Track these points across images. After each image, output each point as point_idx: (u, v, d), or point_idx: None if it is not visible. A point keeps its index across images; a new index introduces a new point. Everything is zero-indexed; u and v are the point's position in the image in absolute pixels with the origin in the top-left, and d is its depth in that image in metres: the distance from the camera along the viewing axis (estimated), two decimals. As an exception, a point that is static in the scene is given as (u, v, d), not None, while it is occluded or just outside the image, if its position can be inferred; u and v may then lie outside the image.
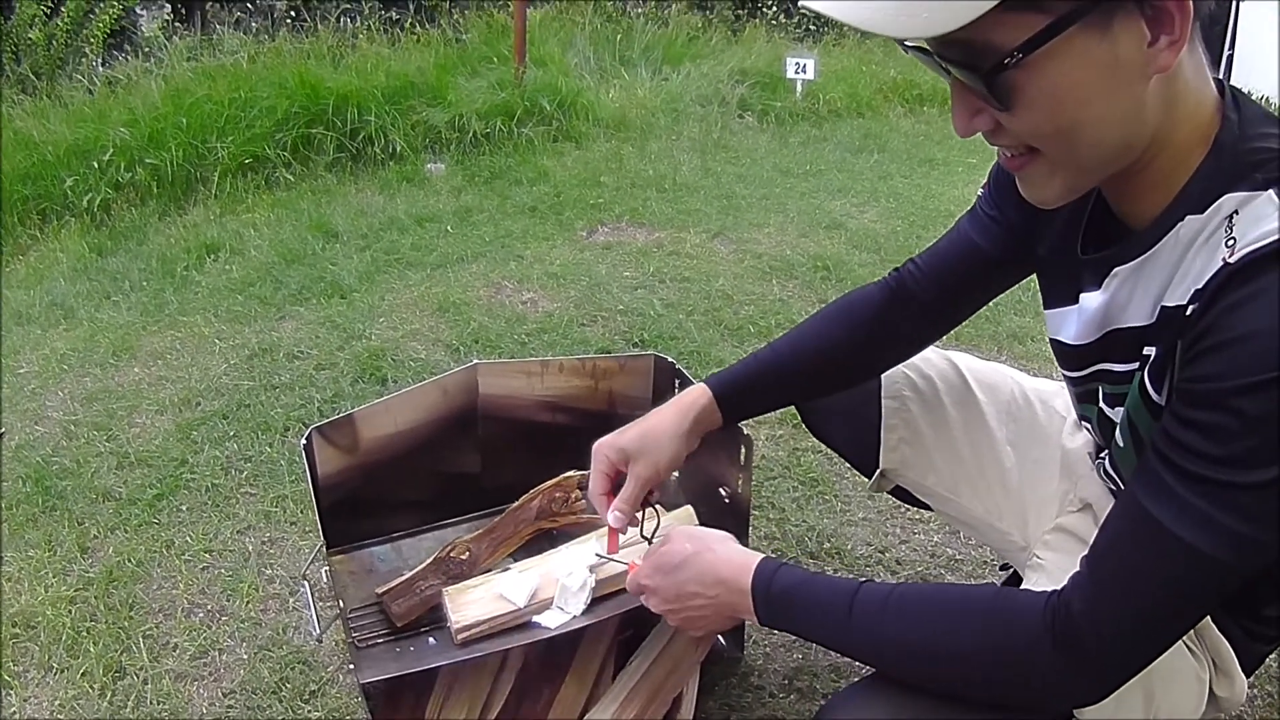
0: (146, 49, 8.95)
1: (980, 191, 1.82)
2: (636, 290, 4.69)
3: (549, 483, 2.45)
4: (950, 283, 1.89)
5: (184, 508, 3.14)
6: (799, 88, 8.71)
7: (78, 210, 5.98)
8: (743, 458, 2.19)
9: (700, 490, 2.45)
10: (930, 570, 2.86)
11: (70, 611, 2.74)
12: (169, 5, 11.06)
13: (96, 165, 6.15)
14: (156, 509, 3.14)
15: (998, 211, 1.76)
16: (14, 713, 2.46)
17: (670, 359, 2.55)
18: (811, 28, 12.18)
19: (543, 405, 2.56)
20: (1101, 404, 1.56)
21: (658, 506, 2.42)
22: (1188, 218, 1.28)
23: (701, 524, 2.28)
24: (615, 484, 1.92)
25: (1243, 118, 1.29)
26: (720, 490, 2.34)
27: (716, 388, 1.94)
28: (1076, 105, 1.19)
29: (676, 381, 2.52)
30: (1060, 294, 1.59)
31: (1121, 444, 1.52)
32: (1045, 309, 1.66)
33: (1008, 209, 1.73)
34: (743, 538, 2.21)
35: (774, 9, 12.04)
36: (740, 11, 12.40)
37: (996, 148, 1.33)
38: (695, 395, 1.93)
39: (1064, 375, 1.67)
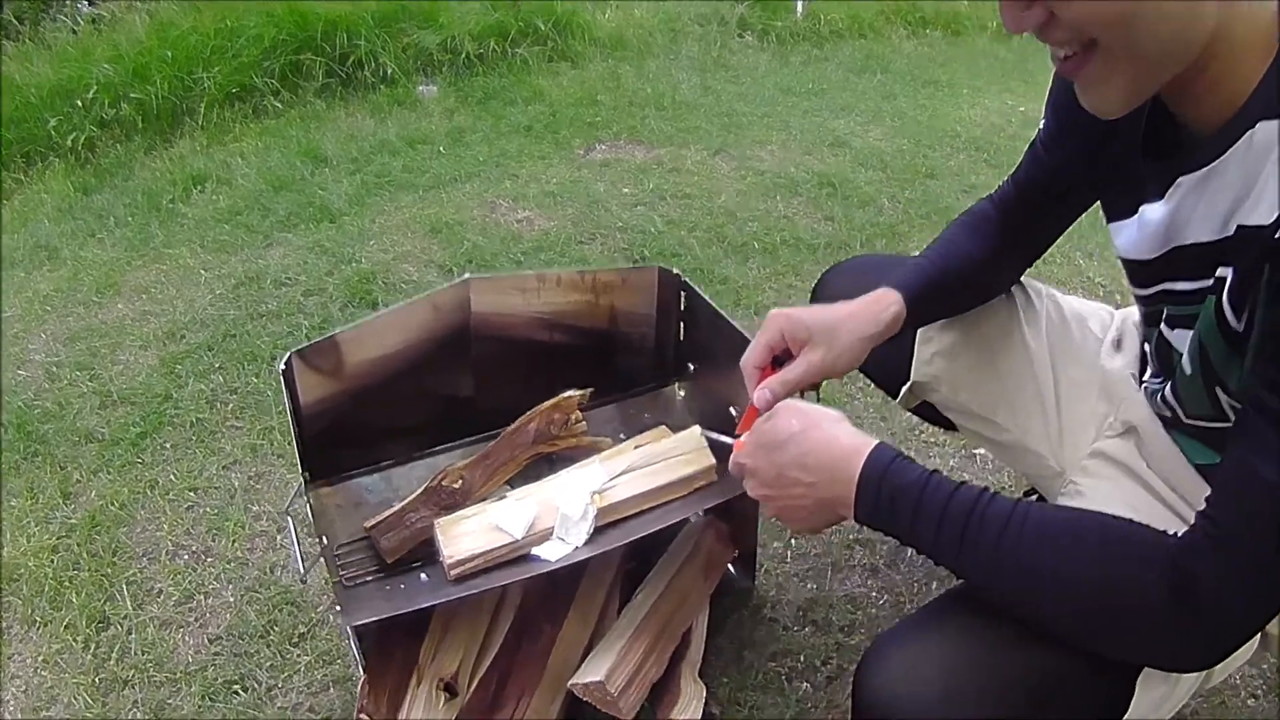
0: (132, -12, 8.79)
1: (1040, 126, 1.74)
2: (636, 207, 4.57)
3: (547, 404, 2.31)
4: (1035, 208, 1.83)
5: (168, 445, 3.06)
6: (800, 7, 8.51)
7: (62, 150, 5.83)
8: None
9: (709, 411, 2.35)
10: None
11: (53, 561, 2.70)
12: (152, -59, 10.89)
13: (80, 104, 5.99)
14: (140, 448, 3.06)
15: (1059, 146, 1.69)
16: (-3, 671, 2.40)
17: (676, 271, 2.40)
18: (813, -56, 11.99)
19: (539, 322, 2.42)
20: (1163, 326, 1.48)
21: (664, 426, 2.30)
22: (1261, 124, 1.17)
23: (710, 447, 2.17)
24: (776, 361, 1.73)
25: None
26: (730, 410, 2.22)
27: (908, 296, 1.75)
28: None
29: (683, 294, 2.39)
30: (1121, 206, 1.52)
31: (1189, 371, 1.41)
32: (1107, 222, 1.58)
33: (1069, 139, 1.65)
34: None
35: (775, -76, 11.80)
36: (740, -72, 12.20)
37: (1051, 54, 1.25)
38: (889, 299, 1.74)
39: (1134, 294, 1.57)
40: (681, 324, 2.45)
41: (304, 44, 6.41)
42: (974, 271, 1.86)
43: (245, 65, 6.24)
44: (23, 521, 2.82)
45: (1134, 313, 1.88)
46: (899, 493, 1.36)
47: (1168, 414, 1.59)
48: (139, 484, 2.91)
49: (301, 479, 2.09)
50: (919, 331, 2.02)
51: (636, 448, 2.23)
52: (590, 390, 2.35)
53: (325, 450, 2.23)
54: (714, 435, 1.89)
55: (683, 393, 2.56)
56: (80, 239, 4.66)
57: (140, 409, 3.23)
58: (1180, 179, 1.31)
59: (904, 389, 2.10)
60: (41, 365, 3.56)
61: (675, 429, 2.29)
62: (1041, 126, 1.73)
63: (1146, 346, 1.62)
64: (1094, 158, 1.58)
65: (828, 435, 1.46)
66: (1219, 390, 1.35)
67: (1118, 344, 1.87)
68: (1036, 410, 1.94)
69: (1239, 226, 1.21)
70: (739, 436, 1.66)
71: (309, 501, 2.14)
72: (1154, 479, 1.66)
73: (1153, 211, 1.39)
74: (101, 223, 4.80)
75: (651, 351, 2.54)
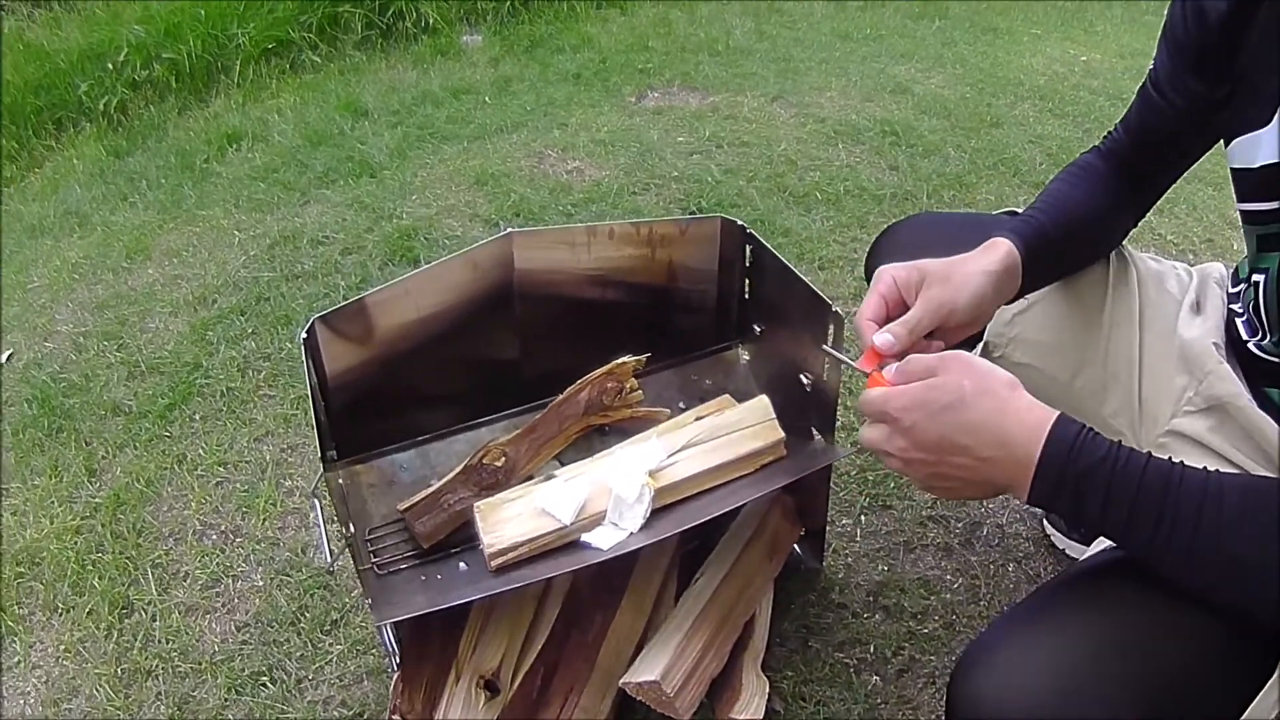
0: (163, -54, 8.72)
1: (1150, 72, 1.69)
2: (692, 156, 4.44)
3: (599, 371, 2.17)
4: (1153, 153, 1.75)
5: (197, 416, 2.97)
6: (856, -50, 8.37)
7: (94, 114, 5.76)
8: (830, 337, 1.88)
9: (777, 377, 2.20)
10: None
11: (76, 544, 2.61)
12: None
13: (111, 67, 5.91)
14: (168, 420, 2.97)
15: (1180, 80, 1.61)
16: (18, 660, 2.36)
17: (740, 222, 2.23)
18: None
19: (590, 280, 2.27)
20: None
21: (727, 394, 2.16)
22: None
23: (779, 417, 2.04)
24: (891, 317, 1.55)
25: None
26: (801, 377, 2.05)
27: (1022, 246, 1.62)
28: None
29: (747, 248, 2.23)
30: (1250, 119, 1.45)
31: None
32: (1228, 143, 1.52)
33: (1191, 71, 1.58)
34: (827, 432, 2.03)
35: None
36: None
37: None
38: (1003, 246, 1.60)
39: (1246, 214, 1.52)
40: (746, 280, 2.30)
41: (342, -6, 6.32)
42: (1088, 226, 1.75)
43: (281, 20, 6.16)
44: (46, 502, 2.74)
45: (1214, 271, 1.85)
46: (1084, 477, 1.23)
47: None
48: (166, 459, 2.82)
49: (322, 460, 1.94)
50: None
51: (697, 419, 2.11)
52: (647, 355, 2.22)
53: (355, 424, 2.12)
54: (831, 351, 1.69)
55: (747, 356, 2.42)
56: (111, 203, 4.58)
57: (169, 379, 3.14)
58: None
59: (978, 348, 1.96)
60: (69, 336, 3.48)
61: (740, 397, 2.17)
62: (1154, 67, 1.66)
63: (1258, 283, 1.54)
64: (1219, 80, 1.52)
65: (1003, 402, 1.30)
66: None
67: (1196, 307, 1.78)
68: (1119, 380, 1.85)
69: None
70: (870, 371, 1.48)
71: (340, 481, 2.04)
72: (1240, 459, 1.58)
73: None
74: (133, 186, 4.71)
75: (713, 310, 2.40)
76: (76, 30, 6.45)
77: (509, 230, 2.15)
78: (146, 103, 5.76)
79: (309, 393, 1.95)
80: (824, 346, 1.79)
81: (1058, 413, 1.27)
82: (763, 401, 2.06)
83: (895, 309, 1.54)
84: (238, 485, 2.70)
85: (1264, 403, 1.59)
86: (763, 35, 6.40)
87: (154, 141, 5.28)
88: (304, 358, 1.96)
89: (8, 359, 3.42)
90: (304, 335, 1.96)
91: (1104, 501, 1.21)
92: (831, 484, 2.35)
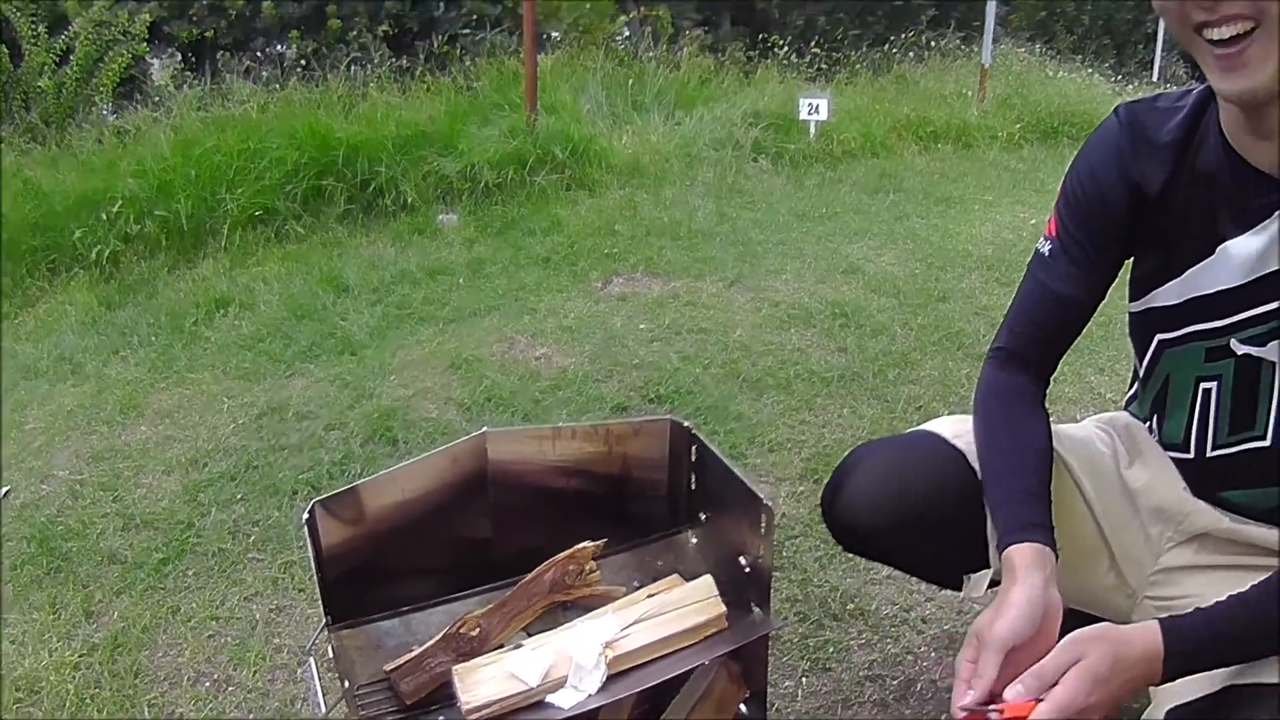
0: (156, 98, 8.97)
1: (1044, 245, 1.90)
2: (653, 343, 4.67)
3: (563, 554, 2.36)
4: (1050, 338, 1.96)
5: (190, 572, 3.12)
6: (813, 129, 8.71)
7: (86, 262, 5.97)
8: (763, 527, 2.13)
9: (720, 559, 2.41)
10: (958, 627, 2.83)
11: (74, 678, 2.72)
12: (179, 54, 11.10)
13: (105, 216, 6.12)
14: (163, 573, 3.12)
15: (1080, 253, 1.85)
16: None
17: (686, 422, 2.48)
18: (823, 66, 12.22)
19: (556, 470, 2.50)
20: (1249, 348, 1.69)
21: (676, 574, 2.40)
22: None
23: (721, 593, 2.24)
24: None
25: None
26: (740, 559, 2.28)
27: (1050, 536, 1.75)
28: None
29: (693, 446, 2.47)
30: (1187, 256, 1.73)
31: None
32: (1166, 281, 1.79)
33: (1091, 246, 1.84)
34: (764, 606, 2.22)
35: (785, 49, 12.03)
36: (752, 53, 12.41)
37: (1210, 34, 1.45)
38: (1022, 558, 1.69)
39: (1191, 334, 1.78)
40: (693, 474, 2.52)
41: (326, 168, 6.60)
42: (1049, 453, 1.90)
43: (268, 188, 6.40)
44: (44, 635, 2.86)
45: (1121, 417, 2.12)
46: (1195, 656, 1.55)
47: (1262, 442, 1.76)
48: (161, 609, 2.96)
49: (324, 621, 2.17)
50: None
51: (649, 596, 2.29)
52: (604, 541, 2.41)
53: (346, 593, 2.29)
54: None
55: (695, 540, 2.59)
56: (104, 355, 4.77)
57: (163, 534, 3.29)
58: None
59: (979, 577, 2.03)
60: (65, 482, 3.63)
61: (688, 576, 2.35)
62: (1052, 248, 1.87)
63: (1207, 387, 1.80)
64: (1128, 235, 1.81)
65: (1116, 644, 1.54)
66: None
67: (1134, 458, 2.02)
68: (1094, 557, 2.02)
69: None
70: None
71: (331, 643, 2.23)
72: (1229, 561, 1.86)
73: (1241, 245, 1.63)
74: (125, 340, 4.92)
75: (665, 499, 2.60)
76: (73, 173, 6.66)
77: (485, 429, 2.39)
78: (138, 257, 5.98)
79: (312, 565, 2.17)
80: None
81: (1156, 623, 1.55)
82: (707, 580, 2.25)
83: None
84: (229, 639, 2.83)
85: (1225, 506, 1.87)
86: (723, 217, 6.66)
87: (144, 297, 5.48)
88: (306, 535, 2.16)
89: (5, 494, 3.57)
90: (306, 516, 2.15)
91: (1218, 653, 1.55)
92: (774, 650, 2.56)
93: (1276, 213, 1.57)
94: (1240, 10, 1.39)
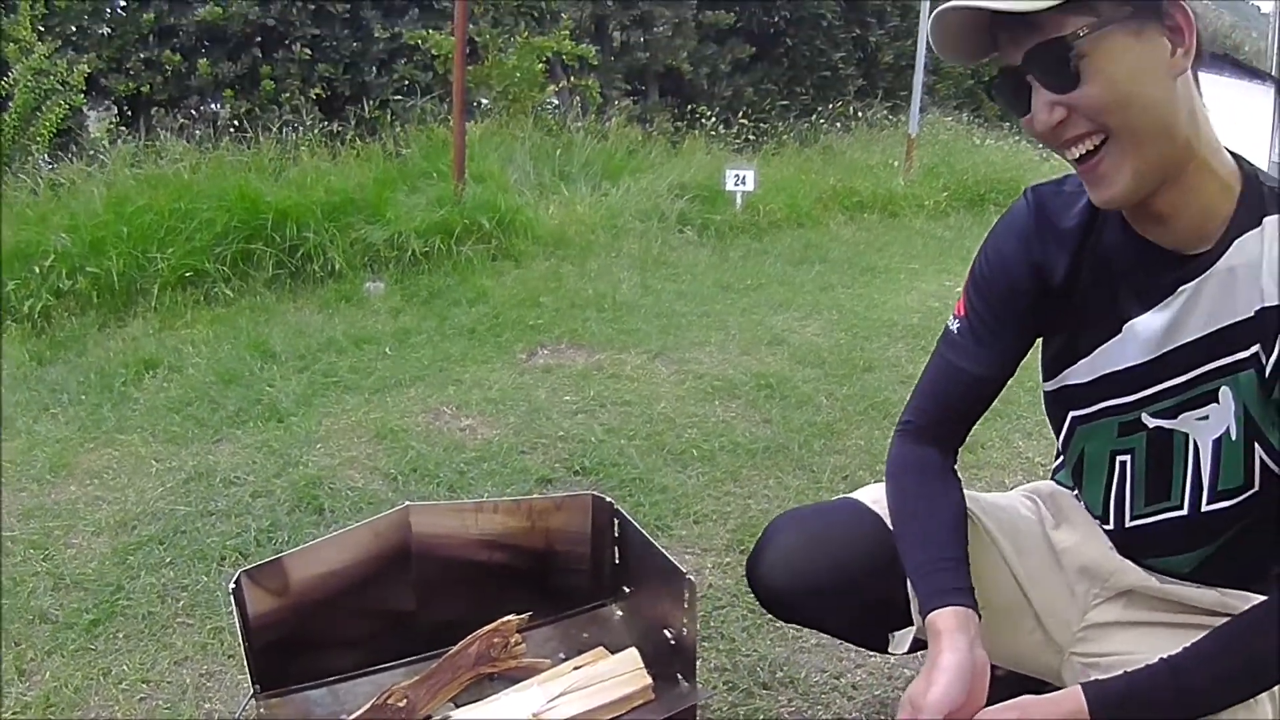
0: (91, 151, 9.01)
1: (954, 324, 2.02)
2: (577, 415, 4.75)
3: (487, 627, 2.43)
4: (959, 414, 2.07)
5: (121, 634, 3.14)
6: (739, 200, 8.89)
7: (19, 315, 6.01)
8: (686, 600, 2.23)
9: (645, 631, 2.49)
10: (889, 692, 2.87)
11: None
12: (115, 108, 11.14)
13: (38, 270, 6.17)
14: (93, 634, 3.14)
15: (987, 334, 1.96)
16: None
17: (608, 497, 2.60)
18: (751, 137, 12.41)
19: (479, 544, 2.58)
20: (1161, 421, 1.81)
21: (602, 646, 2.49)
22: (1244, 236, 1.63)
23: (647, 665, 2.33)
24: None
25: (1240, 157, 1.69)
26: (665, 632, 2.37)
27: (967, 602, 1.83)
28: (1129, 81, 1.53)
29: (615, 521, 2.57)
30: (1094, 336, 1.84)
31: (1233, 436, 1.74)
32: (1076, 360, 1.90)
33: (999, 326, 1.95)
34: (689, 678, 2.31)
35: (713, 120, 12.22)
36: (679, 123, 12.59)
37: (1067, 155, 1.63)
38: (947, 622, 1.78)
39: (1105, 410, 1.89)
40: (616, 548, 2.63)
41: (255, 232, 6.68)
42: (964, 519, 1.98)
43: (198, 249, 6.48)
44: None
45: (1045, 486, 2.21)
46: (1121, 706, 1.66)
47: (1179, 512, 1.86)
48: (92, 670, 2.98)
49: (251, 691, 2.26)
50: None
51: (575, 669, 2.38)
52: (529, 614, 2.51)
53: (274, 662, 2.36)
54: None
55: (620, 612, 2.67)
56: (34, 411, 4.82)
57: (93, 595, 3.32)
58: (1182, 287, 1.68)
59: (902, 634, 2.07)
60: None
61: (613, 649, 2.44)
62: (960, 327, 2.00)
63: (1123, 460, 1.92)
64: (1038, 321, 1.92)
65: (1041, 703, 1.69)
66: (1259, 449, 1.71)
67: (1060, 522, 2.12)
68: (1017, 616, 2.08)
69: (1260, 310, 1.63)
70: None
71: (260, 711, 2.31)
72: (1156, 618, 1.95)
73: (1146, 322, 1.74)
74: (55, 397, 4.97)
75: (588, 572, 2.69)
76: (7, 225, 6.67)
77: (406, 504, 2.50)
78: (69, 313, 6.02)
79: (239, 633, 2.24)
80: None
81: (1075, 687, 1.68)
82: (633, 653, 2.35)
83: None
84: (160, 702, 2.85)
85: (1150, 569, 1.96)
86: (648, 289, 6.79)
87: (75, 354, 5.54)
88: (233, 605, 2.24)
89: None
90: (233, 586, 2.24)
91: (1143, 712, 1.65)
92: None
93: (1179, 289, 1.68)
94: (1084, 130, 1.57)
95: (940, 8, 1.60)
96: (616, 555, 2.64)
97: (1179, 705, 1.65)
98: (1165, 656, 1.68)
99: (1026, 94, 1.60)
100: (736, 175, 8.92)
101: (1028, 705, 1.69)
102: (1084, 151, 1.59)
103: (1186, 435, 1.79)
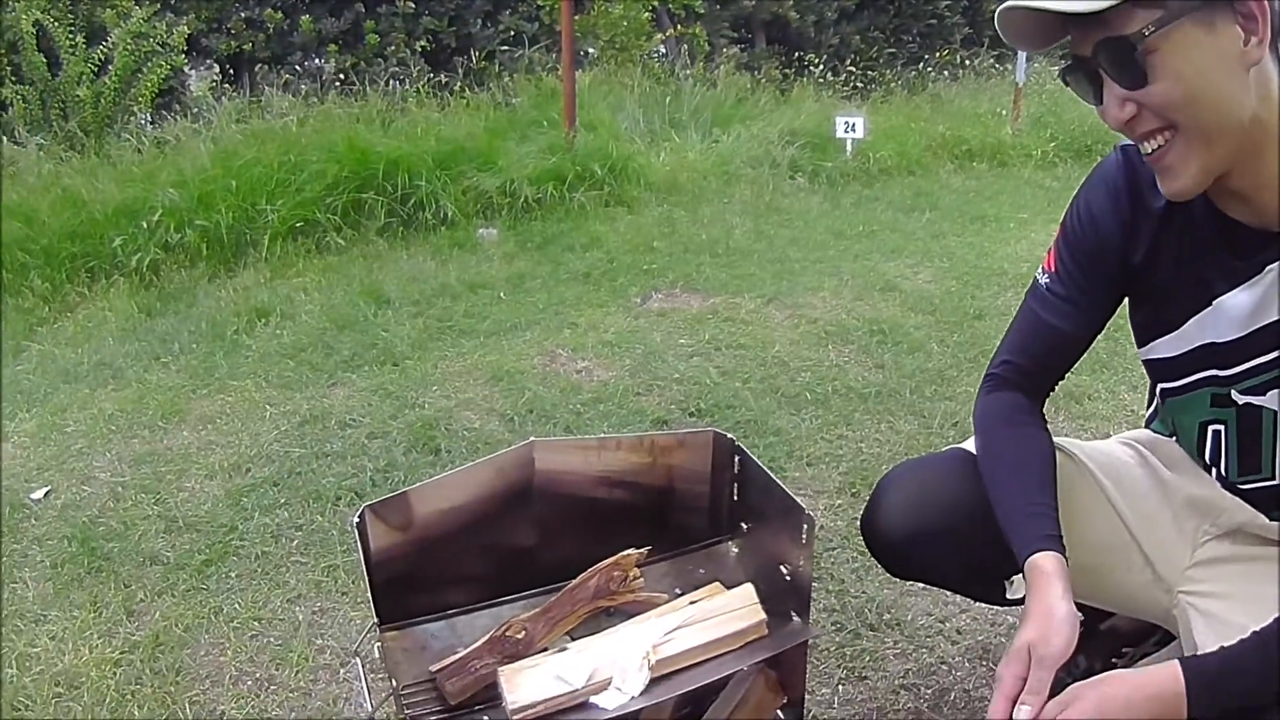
0: (195, 109, 9.06)
1: (1043, 278, 1.95)
2: (692, 358, 4.68)
3: (606, 561, 2.38)
4: (1046, 368, 2.02)
5: (233, 574, 3.13)
6: (849, 147, 8.73)
7: (126, 270, 6.03)
8: (804, 536, 2.16)
9: (760, 568, 2.42)
10: (992, 638, 2.83)
11: (115, 674, 2.74)
12: (217, 66, 11.17)
13: (145, 225, 6.20)
14: (205, 575, 3.13)
15: (1076, 291, 1.91)
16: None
17: (729, 434, 2.51)
18: (859, 85, 12.26)
19: (600, 481, 2.51)
20: (1251, 398, 1.75)
21: (717, 582, 2.40)
22: None
23: (761, 602, 2.26)
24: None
25: None
26: (781, 568, 2.30)
27: (1058, 547, 1.80)
28: (1198, 77, 1.48)
29: (736, 458, 2.49)
30: (1183, 308, 1.79)
31: None
32: (1165, 333, 1.85)
33: (1088, 284, 1.90)
34: (804, 614, 2.24)
35: (820, 68, 12.05)
36: (787, 71, 12.46)
37: (1140, 147, 1.60)
38: (1058, 565, 1.76)
39: (1200, 380, 1.84)
40: (735, 485, 2.54)
41: (365, 182, 6.63)
42: (1053, 460, 1.95)
43: (308, 200, 6.45)
44: (85, 633, 2.88)
45: (1144, 434, 2.16)
46: (1219, 677, 1.57)
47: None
48: (203, 609, 2.96)
49: (372, 622, 2.17)
50: None
51: (691, 604, 2.32)
52: (648, 548, 2.43)
53: (393, 595, 2.31)
54: None
55: (736, 550, 2.61)
56: (145, 361, 4.81)
57: (206, 537, 3.30)
58: (1270, 266, 1.62)
59: (1020, 579, 1.95)
60: (106, 484, 3.66)
61: (728, 585, 2.38)
62: (1049, 282, 1.93)
63: (1217, 430, 1.88)
64: (1116, 289, 1.89)
65: (1131, 692, 1.58)
66: None
67: (1159, 461, 2.07)
68: (1125, 556, 2.05)
69: None
70: None
71: (378, 643, 2.23)
72: (1265, 553, 1.90)
73: (1234, 299, 1.69)
74: (165, 347, 4.96)
75: (706, 510, 2.61)
76: (112, 182, 6.72)
77: (532, 439, 2.40)
78: (178, 265, 6.04)
79: (363, 566, 2.18)
80: None
81: (1173, 661, 1.58)
82: (748, 589, 2.28)
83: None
84: (272, 639, 2.84)
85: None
86: (761, 235, 6.67)
87: (184, 305, 5.53)
88: (356, 539, 2.17)
89: (45, 495, 3.61)
90: (357, 520, 2.17)
91: (1242, 685, 1.56)
92: (811, 658, 2.54)
93: (1269, 266, 1.63)
94: (1153, 126, 1.54)
95: (1002, 6, 1.58)
96: (734, 492, 2.56)
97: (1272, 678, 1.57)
98: (1257, 630, 1.59)
99: (1099, 83, 1.58)
100: (846, 122, 8.77)
101: (1126, 679, 1.62)
102: (1155, 147, 1.56)
103: (1276, 412, 1.74)
